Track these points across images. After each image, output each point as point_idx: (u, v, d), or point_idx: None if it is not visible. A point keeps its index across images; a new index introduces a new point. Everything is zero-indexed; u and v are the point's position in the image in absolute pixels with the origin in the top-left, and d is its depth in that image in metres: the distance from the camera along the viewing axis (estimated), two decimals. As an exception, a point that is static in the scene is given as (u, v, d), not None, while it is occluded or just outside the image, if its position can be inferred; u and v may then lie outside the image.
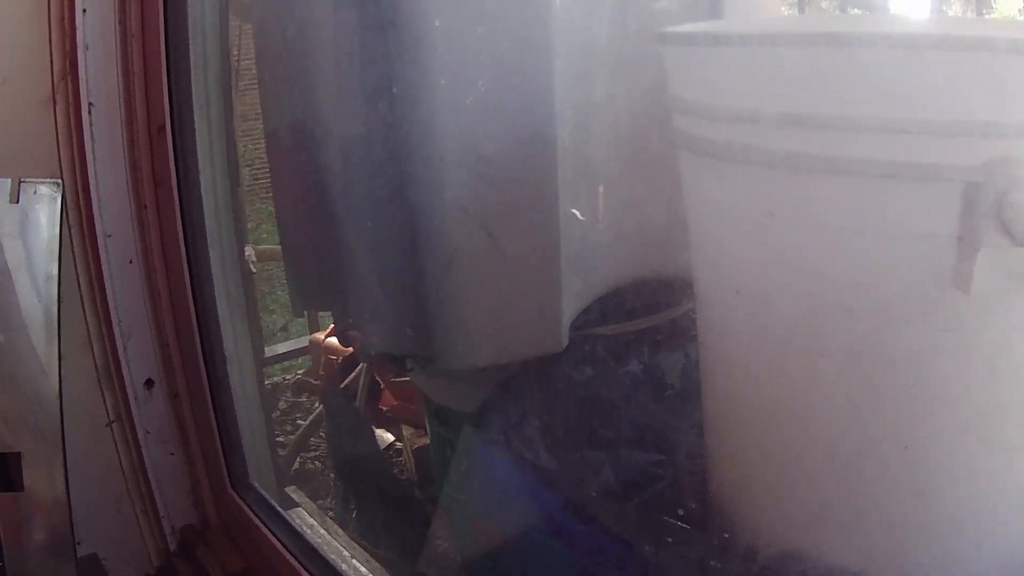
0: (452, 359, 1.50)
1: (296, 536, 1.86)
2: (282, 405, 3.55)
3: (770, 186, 1.03)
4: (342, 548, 1.90)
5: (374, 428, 2.56)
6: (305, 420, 3.22)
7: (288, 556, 1.81)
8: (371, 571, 1.85)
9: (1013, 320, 0.95)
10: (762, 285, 1.10)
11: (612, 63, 1.49)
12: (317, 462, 3.01)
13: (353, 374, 2.75)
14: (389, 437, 2.65)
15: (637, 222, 1.54)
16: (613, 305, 1.62)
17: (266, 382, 2.88)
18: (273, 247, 2.61)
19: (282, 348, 3.60)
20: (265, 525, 1.91)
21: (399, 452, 2.60)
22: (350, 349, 2.82)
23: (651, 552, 1.29)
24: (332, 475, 2.73)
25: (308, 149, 1.60)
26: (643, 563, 1.29)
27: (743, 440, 1.25)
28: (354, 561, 1.86)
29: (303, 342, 3.50)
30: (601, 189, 1.54)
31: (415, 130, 1.40)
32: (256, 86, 1.87)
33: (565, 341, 1.49)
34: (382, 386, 2.64)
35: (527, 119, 1.40)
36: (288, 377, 3.74)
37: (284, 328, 3.98)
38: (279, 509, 1.95)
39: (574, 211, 1.47)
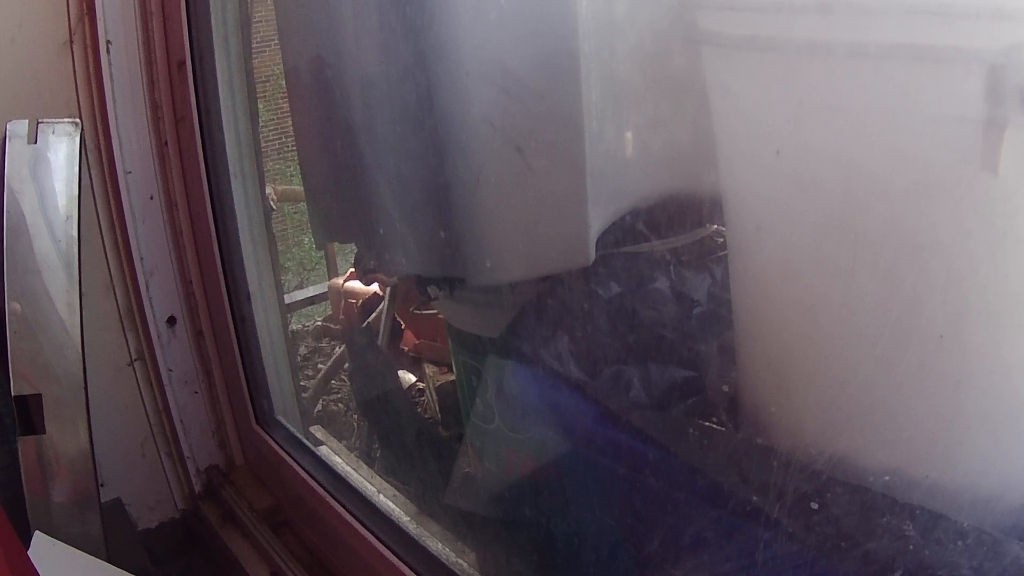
0: (481, 276, 1.50)
1: (325, 469, 1.88)
2: (303, 351, 3.57)
3: (798, 74, 1.03)
4: (367, 482, 1.92)
5: (396, 368, 2.57)
6: (326, 365, 3.23)
7: (318, 489, 1.82)
8: (398, 505, 1.87)
9: None
10: (793, 181, 1.10)
11: (635, -21, 1.49)
12: (340, 404, 3.03)
13: (374, 315, 2.75)
14: (411, 378, 2.66)
15: (662, 139, 1.55)
16: (640, 223, 1.63)
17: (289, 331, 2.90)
18: (292, 187, 2.61)
19: (300, 295, 3.60)
20: (293, 459, 1.92)
21: (421, 392, 2.61)
22: (370, 290, 2.83)
23: (688, 456, 1.30)
24: (355, 416, 2.75)
25: (329, 73, 1.60)
26: (680, 468, 1.30)
27: (777, 344, 1.25)
28: (381, 496, 1.88)
29: (322, 288, 3.51)
30: (626, 105, 1.54)
31: (440, 46, 1.40)
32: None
33: (593, 256, 1.50)
34: (403, 326, 2.65)
35: (551, 34, 1.40)
36: (308, 324, 3.75)
37: (300, 287, 3.99)
38: (307, 443, 1.96)
39: (599, 126, 1.47)
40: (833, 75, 1.00)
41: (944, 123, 0.94)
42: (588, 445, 1.47)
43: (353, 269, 2.88)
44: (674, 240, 1.66)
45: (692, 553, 1.25)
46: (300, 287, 4.05)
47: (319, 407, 2.97)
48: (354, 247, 1.87)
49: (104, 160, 1.90)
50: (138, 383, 2.04)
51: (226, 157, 1.85)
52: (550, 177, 1.45)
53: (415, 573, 1.59)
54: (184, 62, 1.81)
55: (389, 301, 2.65)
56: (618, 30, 1.49)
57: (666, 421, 1.40)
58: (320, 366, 3.37)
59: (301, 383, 2.98)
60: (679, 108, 1.52)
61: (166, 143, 1.90)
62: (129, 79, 1.86)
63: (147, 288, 1.96)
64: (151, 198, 1.93)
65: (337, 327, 3.31)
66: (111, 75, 1.84)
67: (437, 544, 1.69)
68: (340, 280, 3.13)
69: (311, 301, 3.61)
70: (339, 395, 3.05)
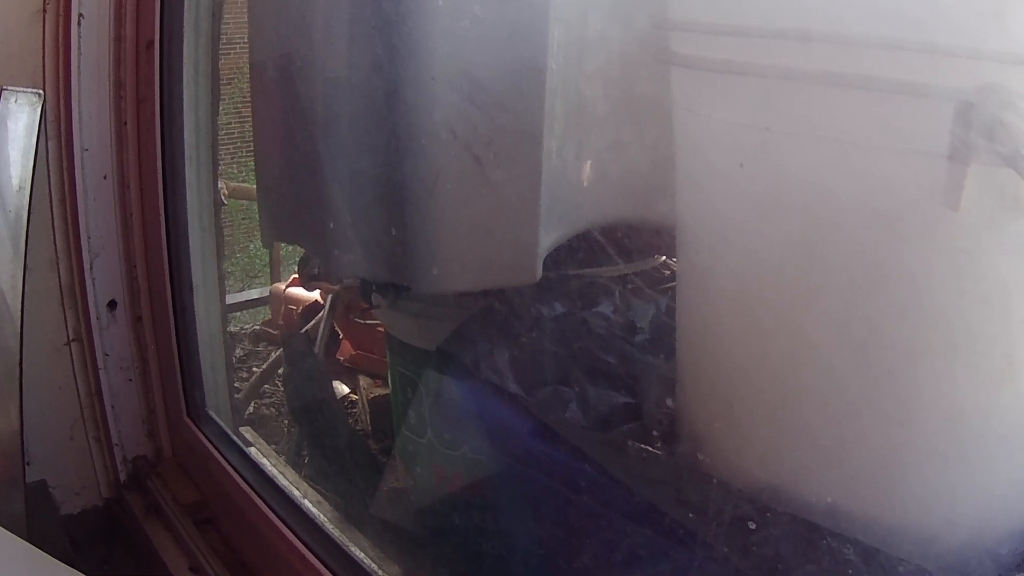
0: (426, 283, 1.49)
1: (253, 468, 1.85)
2: (239, 353, 3.54)
3: (768, 100, 1.04)
4: (294, 486, 1.90)
5: (331, 376, 2.56)
6: (261, 368, 3.20)
7: (245, 486, 1.79)
8: (323, 512, 1.84)
9: (1004, 245, 0.97)
10: (756, 203, 1.10)
11: (608, 2, 1.50)
12: (272, 408, 3.00)
13: (312, 322, 2.74)
14: (344, 389, 2.65)
15: (621, 164, 1.55)
16: (590, 247, 1.64)
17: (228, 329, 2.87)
18: (244, 185, 2.61)
19: (242, 297, 3.59)
20: (222, 455, 1.89)
21: (354, 404, 2.60)
22: (311, 297, 2.82)
23: (623, 476, 1.29)
24: (286, 421, 2.73)
25: (295, 65, 1.59)
26: (614, 487, 1.29)
27: (724, 368, 1.24)
28: (307, 501, 1.85)
29: (264, 292, 3.50)
30: (588, 126, 1.55)
31: (409, 47, 1.40)
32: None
33: (539, 273, 1.50)
34: (341, 336, 2.65)
35: (520, 48, 1.40)
36: (246, 327, 3.73)
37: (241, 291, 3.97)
38: (236, 440, 1.94)
39: (558, 144, 1.48)
40: (804, 103, 1.01)
41: (911, 157, 0.95)
42: (521, 460, 1.46)
43: (297, 275, 2.87)
44: (622, 268, 1.67)
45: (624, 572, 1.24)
46: (242, 291, 4.02)
47: (251, 409, 2.94)
48: (300, 253, 1.87)
49: (63, 134, 1.88)
50: (73, 365, 2.00)
51: (183, 142, 1.84)
52: (505, 190, 1.45)
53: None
54: (153, 42, 1.80)
55: (329, 309, 2.64)
56: (588, 50, 1.50)
57: (602, 440, 1.39)
58: (255, 369, 3.34)
59: (235, 384, 2.96)
60: (641, 134, 1.53)
61: (125, 123, 1.88)
62: (97, 55, 1.85)
63: (91, 268, 1.93)
64: (104, 177, 1.91)
65: (275, 332, 3.30)
66: (79, 49, 1.83)
67: (360, 552, 1.66)
68: (283, 285, 3.14)
69: (253, 304, 3.61)
70: (272, 399, 3.03)
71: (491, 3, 1.39)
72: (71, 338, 1.98)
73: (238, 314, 3.70)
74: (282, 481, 1.85)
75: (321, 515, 1.82)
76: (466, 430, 1.63)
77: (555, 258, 1.59)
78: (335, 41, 1.51)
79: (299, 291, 3.03)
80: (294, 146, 1.65)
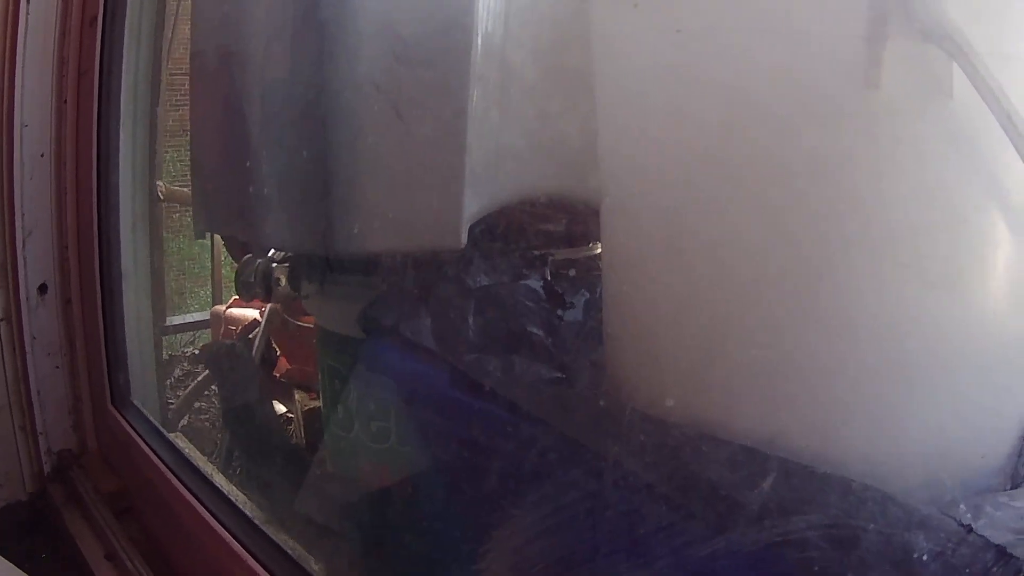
0: (348, 243, 1.47)
1: (176, 455, 1.80)
2: (177, 374, 3.51)
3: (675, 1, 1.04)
4: (217, 478, 1.85)
5: (266, 387, 2.52)
6: (195, 381, 3.17)
7: (168, 474, 1.75)
8: (249, 509, 1.79)
9: (931, 129, 0.93)
10: (673, 116, 1.07)
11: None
12: (205, 422, 2.96)
13: (250, 336, 2.72)
14: (281, 407, 2.61)
15: (549, 134, 1.54)
16: (520, 227, 1.62)
17: (166, 352, 2.84)
18: (182, 189, 2.61)
19: (181, 319, 3.59)
20: (146, 443, 1.85)
21: (290, 420, 2.56)
22: (250, 317, 2.81)
23: (551, 420, 1.23)
24: (218, 435, 2.68)
25: (226, 42, 1.59)
26: (543, 436, 1.24)
27: (645, 301, 1.18)
28: (230, 492, 1.80)
29: (204, 315, 3.51)
30: (516, 93, 1.54)
31: (336, 6, 1.40)
32: None
33: (464, 239, 1.47)
34: (278, 353, 2.62)
35: (448, 6, 1.41)
36: (187, 350, 3.71)
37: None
38: (161, 429, 1.89)
39: (483, 107, 1.47)
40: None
41: (826, 41, 0.93)
42: (445, 415, 1.42)
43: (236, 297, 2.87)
44: (555, 251, 1.65)
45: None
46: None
47: (184, 422, 2.90)
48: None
49: (4, 109, 1.87)
50: (1, 347, 1.96)
51: (119, 123, 1.83)
52: (428, 148, 1.43)
53: (258, 563, 1.52)
54: (96, 18, 1.81)
55: (265, 324, 2.62)
56: (516, 15, 1.49)
57: (529, 390, 1.34)
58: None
59: (169, 401, 2.92)
60: (571, 106, 1.51)
61: (65, 100, 1.88)
62: (43, 30, 1.85)
63: (23, 247, 1.90)
64: (42, 155, 1.90)
65: (215, 353, 3.29)
66: (27, 24, 1.83)
67: (285, 539, 1.61)
68: (222, 307, 3.14)
69: (193, 326, 3.62)
70: (206, 416, 3.00)
71: (419, -40, 1.40)
72: (0, 318, 1.95)
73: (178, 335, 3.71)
74: (207, 472, 1.81)
75: (245, 509, 1.77)
76: (388, 398, 1.58)
77: (484, 232, 1.57)
78: (270, 8, 1.52)
79: (239, 311, 3.04)
80: (224, 123, 1.64)
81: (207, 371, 3.10)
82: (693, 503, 0.99)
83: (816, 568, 0.88)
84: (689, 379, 1.13)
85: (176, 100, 3.18)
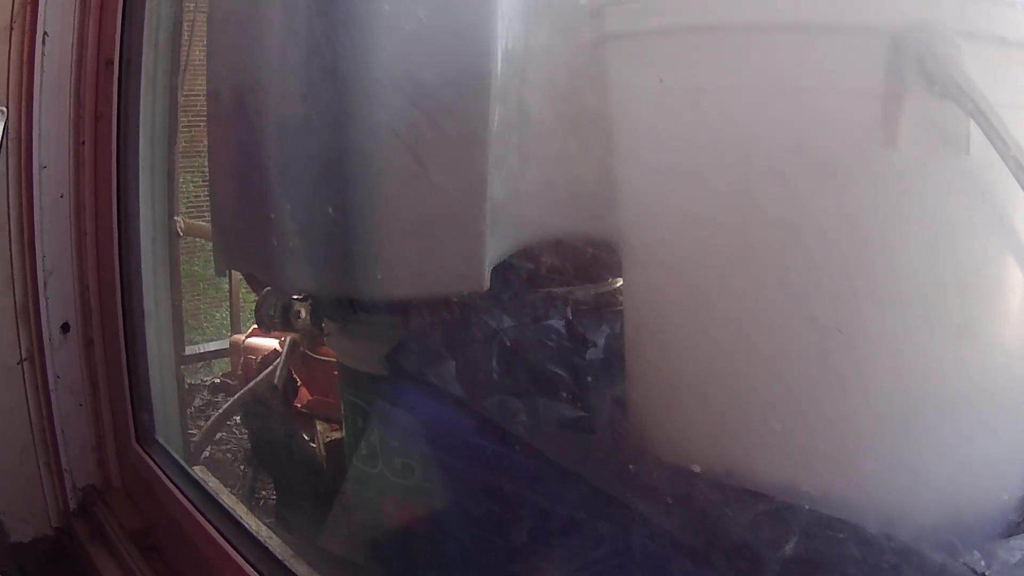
0: (371, 289, 1.48)
1: (203, 494, 1.82)
2: (198, 403, 3.52)
3: (696, 60, 1.04)
4: (245, 519, 1.86)
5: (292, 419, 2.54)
6: (216, 413, 3.18)
7: (193, 511, 1.76)
8: (275, 546, 1.80)
9: (947, 184, 0.95)
10: (690, 167, 1.08)
11: (554, 14, 1.51)
12: (228, 453, 2.97)
13: (269, 369, 2.73)
14: (303, 436, 2.62)
15: (567, 176, 1.54)
16: (540, 266, 1.62)
17: (186, 382, 2.85)
18: (200, 224, 2.63)
19: (201, 348, 3.60)
20: (171, 481, 1.86)
21: (312, 453, 2.57)
22: (270, 346, 2.82)
23: (575, 468, 1.24)
24: (241, 466, 2.69)
25: (243, 88, 1.60)
26: (565, 482, 1.24)
27: (666, 350, 1.20)
28: (257, 529, 1.81)
29: (223, 344, 3.52)
30: (533, 136, 1.54)
31: (354, 51, 1.41)
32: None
33: (487, 282, 1.48)
34: (298, 383, 2.63)
35: (465, 52, 1.41)
36: (206, 379, 3.72)
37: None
38: (185, 466, 1.90)
39: (502, 151, 1.47)
40: (732, 54, 1.01)
41: (843, 98, 0.94)
42: (469, 460, 1.43)
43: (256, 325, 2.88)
44: (576, 289, 1.65)
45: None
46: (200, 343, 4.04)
47: (206, 453, 2.91)
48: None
49: (22, 151, 1.89)
50: (25, 386, 1.98)
51: (138, 164, 1.85)
52: (449, 194, 1.44)
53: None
54: (112, 61, 1.82)
55: (287, 355, 2.63)
56: (532, 60, 1.50)
57: (553, 435, 1.36)
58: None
59: (191, 432, 2.94)
60: (587, 148, 1.52)
61: (83, 142, 1.90)
62: (59, 73, 1.87)
63: (44, 287, 1.92)
64: (61, 196, 1.91)
65: (235, 383, 3.29)
66: (42, 67, 1.85)
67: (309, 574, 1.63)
68: (242, 336, 3.15)
69: (212, 355, 3.63)
70: (228, 446, 3.01)
71: (436, 8, 1.40)
72: (23, 358, 1.96)
73: (199, 365, 3.72)
74: (231, 508, 1.82)
75: (271, 546, 1.78)
76: (413, 436, 1.59)
77: (506, 273, 1.58)
78: (286, 53, 1.52)
79: (258, 341, 3.05)
80: (244, 166, 1.65)
81: (229, 403, 3.12)
82: (717, 559, 1.01)
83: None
84: (710, 424, 1.15)
85: (189, 120, 3.19)
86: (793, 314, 1.03)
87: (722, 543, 1.01)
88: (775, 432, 1.07)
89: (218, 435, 3.02)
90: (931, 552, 0.93)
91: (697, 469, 1.10)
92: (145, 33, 1.80)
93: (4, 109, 1.84)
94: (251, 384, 2.75)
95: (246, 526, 1.74)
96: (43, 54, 1.84)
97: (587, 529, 1.19)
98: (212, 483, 1.90)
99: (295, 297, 1.76)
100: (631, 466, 1.22)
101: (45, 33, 1.83)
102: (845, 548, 0.94)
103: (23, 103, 1.87)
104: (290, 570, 1.63)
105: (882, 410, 1.02)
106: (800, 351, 1.04)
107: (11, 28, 1.85)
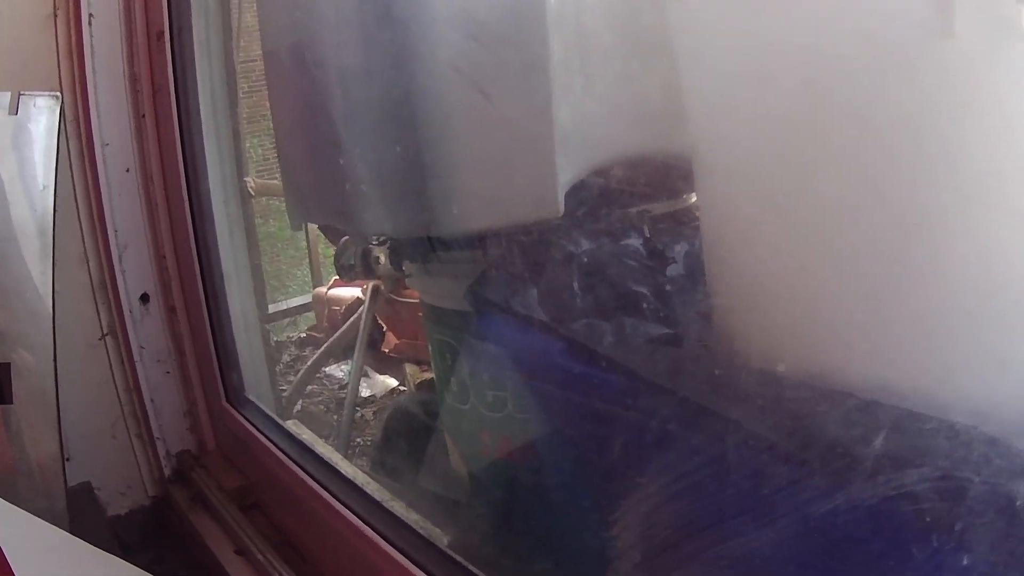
0: (448, 225, 1.50)
1: (298, 447, 1.85)
2: (286, 359, 3.56)
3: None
4: (341, 466, 1.89)
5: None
6: (304, 367, 3.22)
7: (291, 465, 1.79)
8: (373, 491, 1.83)
9: (1005, 74, 0.94)
10: (755, 79, 1.08)
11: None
12: (321, 405, 3.01)
13: (352, 318, 2.76)
14: (392, 382, 2.65)
15: (631, 96, 1.55)
16: (614, 186, 1.63)
17: (272, 339, 2.89)
18: (270, 182, 2.64)
19: (285, 305, 3.64)
20: (266, 437, 1.90)
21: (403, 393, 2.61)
22: (352, 296, 2.84)
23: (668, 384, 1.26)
24: (335, 417, 2.73)
25: (302, 37, 1.61)
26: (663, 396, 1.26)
27: (747, 262, 1.22)
28: (355, 477, 1.84)
29: (306, 298, 3.56)
30: (594, 59, 1.55)
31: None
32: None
33: (562, 208, 1.49)
34: (384, 328, 2.66)
35: (519, -19, 1.42)
36: (292, 335, 3.76)
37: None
38: (279, 420, 1.94)
39: (564, 76, 1.48)
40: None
41: None
42: (562, 385, 1.44)
43: (337, 277, 2.90)
44: (650, 207, 1.66)
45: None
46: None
47: (298, 408, 2.95)
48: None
49: (82, 132, 1.92)
50: (109, 360, 2.03)
51: (202, 130, 1.86)
52: (517, 124, 1.45)
53: (387, 542, 1.56)
54: (163, 33, 1.83)
55: (370, 302, 2.64)
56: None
57: (644, 352, 1.37)
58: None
59: (281, 388, 2.97)
60: (649, 67, 1.52)
61: (143, 116, 1.92)
62: (109, 52, 1.89)
63: (120, 261, 1.96)
64: (127, 171, 1.94)
65: (321, 336, 3.33)
66: (92, 48, 1.87)
67: (414, 517, 1.66)
68: (324, 288, 3.18)
69: (297, 311, 3.66)
70: (320, 398, 3.05)
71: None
72: (105, 333, 2.00)
73: (285, 322, 3.75)
74: (328, 458, 1.85)
75: (369, 490, 1.81)
76: (502, 368, 1.61)
77: (580, 196, 1.59)
78: (340, 2, 1.53)
79: (341, 291, 3.07)
80: (308, 121, 1.66)
81: (315, 355, 3.15)
82: (812, 460, 1.03)
83: (928, 520, 0.91)
84: (796, 326, 1.15)
85: (250, 86, 3.20)
86: (871, 211, 1.03)
87: (814, 442, 1.03)
88: (861, 329, 1.07)
89: (308, 388, 3.07)
90: (1020, 442, 0.94)
91: (785, 371, 1.12)
92: (193, 2, 1.81)
93: (59, 94, 1.87)
94: (337, 334, 2.78)
95: (344, 474, 1.78)
96: (91, 35, 1.86)
97: (681, 441, 1.20)
98: (307, 435, 1.94)
99: (373, 243, 1.79)
100: (720, 373, 1.24)
101: (91, 15, 1.85)
102: (934, 441, 0.95)
103: (78, 86, 1.90)
104: (391, 512, 1.65)
105: (964, 301, 1.02)
106: (880, 249, 1.03)
107: (55, 15, 1.88)
